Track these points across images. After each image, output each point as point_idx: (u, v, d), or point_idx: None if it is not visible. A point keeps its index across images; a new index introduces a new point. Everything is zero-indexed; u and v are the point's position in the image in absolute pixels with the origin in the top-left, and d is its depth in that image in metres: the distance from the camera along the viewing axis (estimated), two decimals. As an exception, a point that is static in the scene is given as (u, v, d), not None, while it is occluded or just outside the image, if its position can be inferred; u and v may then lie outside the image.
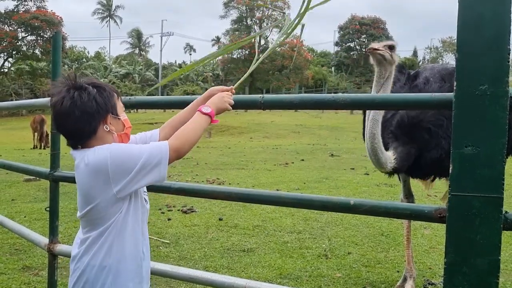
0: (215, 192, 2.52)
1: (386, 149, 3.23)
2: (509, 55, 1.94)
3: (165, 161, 1.68)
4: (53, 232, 3.13)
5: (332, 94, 2.30)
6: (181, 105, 2.90)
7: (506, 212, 2.02)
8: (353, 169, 11.57)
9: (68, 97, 1.69)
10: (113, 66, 57.73)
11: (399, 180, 4.00)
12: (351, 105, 2.30)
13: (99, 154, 1.66)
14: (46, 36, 41.51)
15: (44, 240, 3.21)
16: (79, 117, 1.68)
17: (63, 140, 1.95)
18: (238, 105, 2.47)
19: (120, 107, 1.82)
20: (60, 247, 3.06)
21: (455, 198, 2.01)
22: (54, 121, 1.75)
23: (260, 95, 2.35)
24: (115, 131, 1.78)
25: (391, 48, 3.04)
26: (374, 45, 3.01)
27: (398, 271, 4.25)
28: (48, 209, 3.11)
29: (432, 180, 3.90)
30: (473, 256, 1.97)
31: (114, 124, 1.77)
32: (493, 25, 1.84)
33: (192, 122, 1.82)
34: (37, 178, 8.77)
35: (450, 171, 2.02)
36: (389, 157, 3.16)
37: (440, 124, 3.26)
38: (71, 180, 3.01)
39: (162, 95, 46.72)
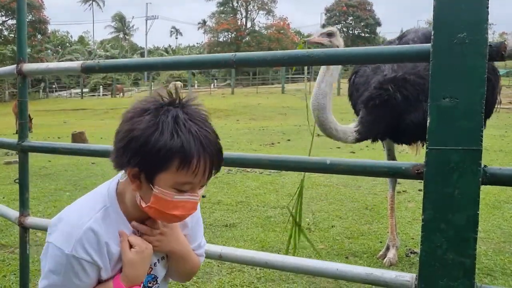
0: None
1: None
2: (487, 0, 1.86)
3: None
4: (23, 205, 3.01)
5: (307, 50, 2.21)
6: (151, 67, 2.78)
7: (485, 166, 1.96)
8: (339, 147, 11.54)
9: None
10: (97, 50, 56.84)
11: (384, 148, 3.96)
12: (326, 61, 2.21)
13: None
14: (27, 20, 40.67)
15: (15, 213, 3.09)
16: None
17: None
18: (209, 65, 2.36)
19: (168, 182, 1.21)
20: (31, 220, 2.94)
21: (432, 152, 1.94)
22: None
23: (232, 53, 2.25)
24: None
25: (330, 35, 3.11)
26: (312, 36, 3.13)
27: (381, 242, 4.22)
28: (17, 180, 2.99)
29: (422, 145, 3.87)
30: (451, 212, 1.91)
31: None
32: (470, -37, 1.75)
33: None
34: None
35: (428, 124, 1.94)
36: (348, 129, 3.15)
37: (421, 88, 3.20)
38: (40, 150, 2.90)
39: (147, 80, 46.21)
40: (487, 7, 1.86)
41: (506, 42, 1.84)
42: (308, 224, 4.84)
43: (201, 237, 1.60)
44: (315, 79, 3.31)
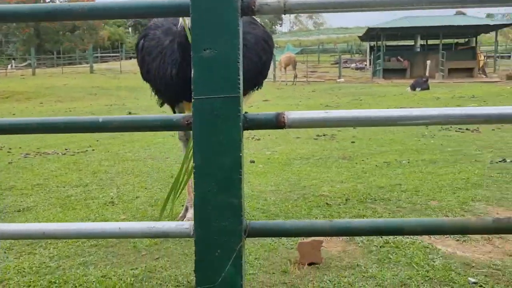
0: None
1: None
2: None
3: None
4: None
5: (68, 3, 2.08)
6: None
7: (246, 112, 2.15)
8: (150, 123, 11.45)
9: None
10: None
11: (174, 113, 4.02)
12: (89, 15, 2.12)
13: None
14: None
15: None
16: None
17: None
18: None
19: None
20: None
21: (198, 102, 2.03)
22: None
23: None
24: None
25: None
26: None
27: (183, 205, 4.34)
28: None
29: None
30: (218, 156, 2.04)
31: None
32: None
33: None
34: None
35: (192, 75, 2.02)
36: None
37: None
38: None
39: None
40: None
41: (254, -3, 1.99)
42: (112, 198, 4.70)
43: None
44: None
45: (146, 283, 2.67)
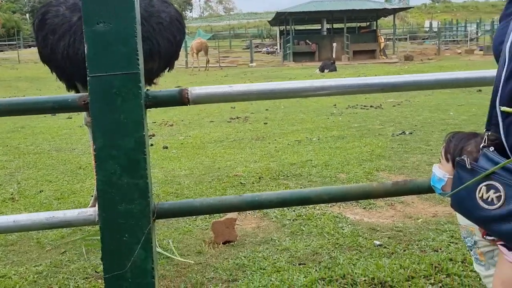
0: None
1: None
2: None
3: None
4: None
5: None
6: None
7: (147, 89, 2.06)
8: (54, 115, 10.75)
9: None
10: None
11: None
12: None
13: None
14: None
15: None
16: None
17: None
18: None
19: None
20: None
21: (94, 80, 1.91)
22: None
23: None
24: None
25: None
26: None
27: (92, 196, 4.14)
28: None
29: None
30: (120, 137, 1.94)
31: None
32: None
33: None
34: None
35: (86, 51, 1.89)
36: None
37: None
38: None
39: None
40: None
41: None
42: (12, 194, 4.35)
43: None
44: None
45: (52, 279, 2.50)
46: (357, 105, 9.37)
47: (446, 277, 2.26)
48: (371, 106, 9.13)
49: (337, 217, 3.22)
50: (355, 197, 2.31)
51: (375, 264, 2.40)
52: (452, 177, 1.41)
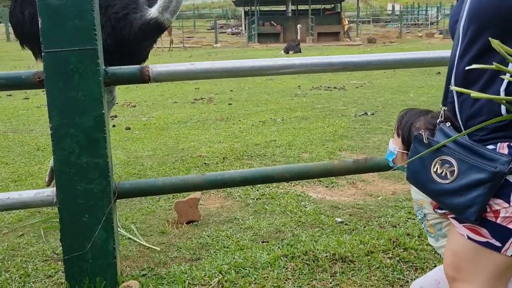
0: None
1: None
2: None
3: None
4: None
5: None
6: None
7: (106, 66, 2.00)
8: (10, 95, 10.34)
9: None
10: None
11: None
12: None
13: None
14: None
15: None
16: None
17: None
18: None
19: None
20: None
21: (49, 56, 1.84)
22: None
23: None
24: None
25: None
26: None
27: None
28: None
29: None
30: (78, 115, 1.89)
31: None
32: None
33: None
34: None
35: (40, 26, 1.82)
36: None
37: None
38: None
39: None
40: None
41: None
42: (-37, 178, 4.18)
43: None
44: None
45: (9, 262, 2.43)
46: (321, 86, 9.45)
47: (404, 251, 2.34)
48: (334, 88, 9.23)
49: (299, 195, 3.26)
50: (316, 174, 2.35)
51: (336, 241, 2.46)
52: (402, 151, 1.46)
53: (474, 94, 1.01)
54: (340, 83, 9.86)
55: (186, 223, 2.84)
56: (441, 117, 1.28)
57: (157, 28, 2.64)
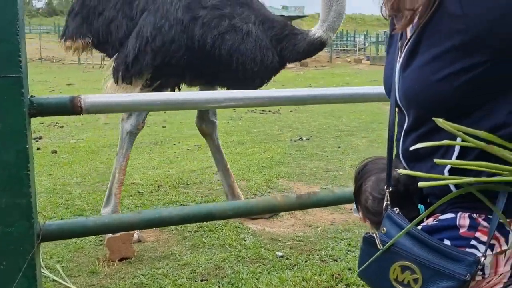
0: None
1: None
2: None
3: None
4: None
5: None
6: None
7: (32, 96, 1.82)
8: None
9: None
10: None
11: None
12: None
13: None
14: None
15: None
16: None
17: None
18: None
19: None
20: None
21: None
22: None
23: None
24: None
25: None
26: None
27: None
28: None
29: None
30: (-2, 150, 1.69)
31: None
32: None
33: None
34: None
35: (-46, 50, 1.62)
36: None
37: None
38: None
39: None
40: None
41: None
42: None
43: None
44: None
45: None
46: (256, 109, 9.49)
47: (346, 287, 2.32)
48: (269, 111, 9.31)
49: (238, 227, 3.17)
50: (260, 211, 2.27)
51: (278, 278, 2.39)
52: (360, 216, 1.24)
53: (420, 184, 0.95)
54: (275, 106, 9.98)
55: (118, 260, 2.65)
56: (387, 200, 1.08)
57: (319, 47, 2.69)
